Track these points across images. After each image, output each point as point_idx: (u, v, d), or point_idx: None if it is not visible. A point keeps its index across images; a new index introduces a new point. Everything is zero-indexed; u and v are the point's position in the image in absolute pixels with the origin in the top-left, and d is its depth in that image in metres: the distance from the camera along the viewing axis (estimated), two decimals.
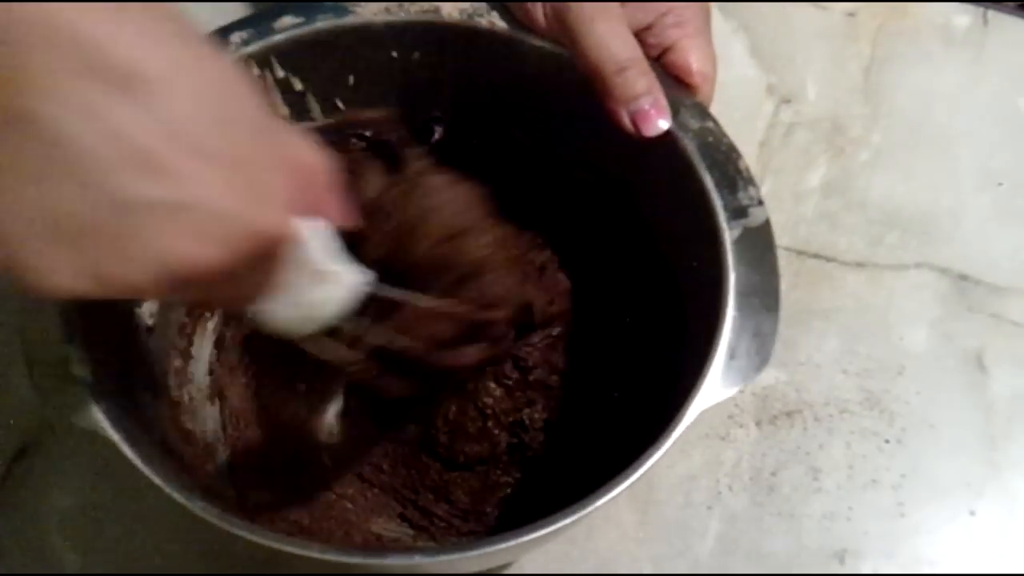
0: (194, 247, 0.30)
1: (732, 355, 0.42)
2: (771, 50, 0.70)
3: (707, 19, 0.49)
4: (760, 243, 0.44)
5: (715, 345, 0.42)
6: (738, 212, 0.45)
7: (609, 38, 0.46)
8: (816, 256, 0.63)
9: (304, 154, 0.34)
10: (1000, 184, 0.66)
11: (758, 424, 0.57)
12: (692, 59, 0.47)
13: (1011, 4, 0.74)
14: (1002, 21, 0.71)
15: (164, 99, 0.29)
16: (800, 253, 0.63)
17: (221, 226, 0.30)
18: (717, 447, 0.56)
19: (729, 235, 0.44)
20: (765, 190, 0.64)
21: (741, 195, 0.45)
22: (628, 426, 0.50)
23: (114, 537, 0.52)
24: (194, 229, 0.30)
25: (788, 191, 0.65)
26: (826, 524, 0.55)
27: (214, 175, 0.30)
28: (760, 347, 0.42)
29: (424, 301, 0.44)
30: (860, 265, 0.62)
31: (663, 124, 0.46)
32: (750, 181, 0.46)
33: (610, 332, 0.56)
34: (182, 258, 0.30)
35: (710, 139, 0.47)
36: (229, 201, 0.30)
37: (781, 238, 0.62)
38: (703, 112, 0.47)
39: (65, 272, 0.29)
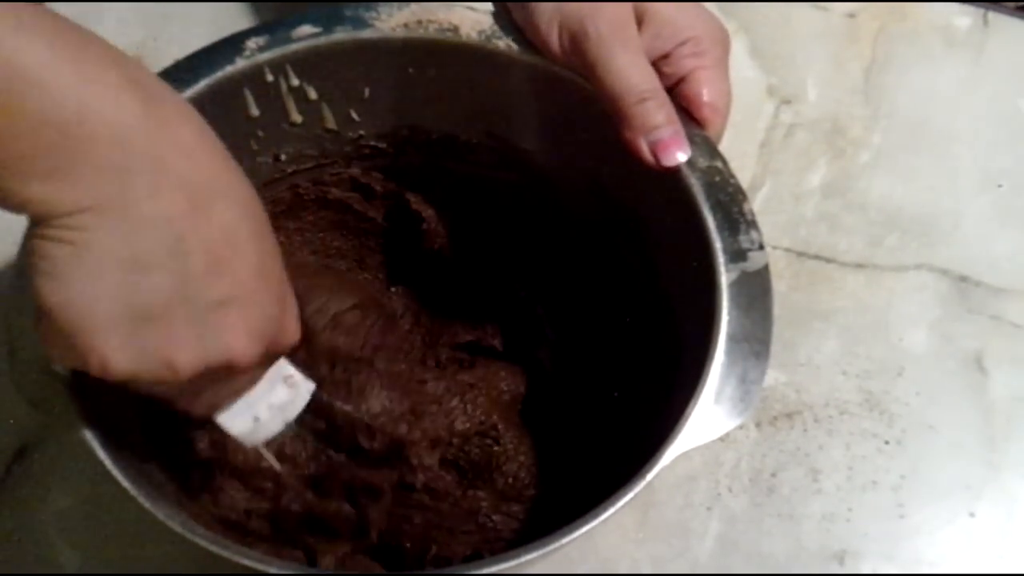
0: (242, 340, 0.35)
1: (716, 400, 0.42)
2: (771, 51, 0.70)
3: (725, 52, 0.48)
4: (756, 288, 0.44)
5: (699, 391, 0.42)
6: (737, 255, 0.44)
7: (629, 68, 0.45)
8: (816, 257, 0.63)
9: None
10: (1000, 185, 0.66)
11: (758, 425, 0.57)
12: (705, 91, 0.46)
13: (1011, 5, 0.74)
14: (1002, 22, 0.71)
15: (223, 210, 0.34)
16: (800, 254, 0.63)
17: (265, 324, 0.36)
18: (716, 448, 0.56)
19: (726, 278, 0.44)
20: (765, 191, 0.65)
21: (742, 238, 0.45)
22: (628, 426, 0.51)
23: (114, 537, 0.53)
24: (246, 325, 0.35)
25: (788, 192, 0.65)
26: (826, 525, 0.55)
27: (258, 279, 0.35)
28: (744, 394, 0.42)
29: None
30: (860, 266, 0.62)
31: (683, 155, 0.45)
32: (753, 224, 0.45)
33: (610, 332, 0.56)
34: (229, 348, 0.35)
35: (717, 179, 0.46)
36: (270, 303, 0.36)
37: (781, 239, 0.63)
38: (713, 150, 0.47)
39: (125, 353, 0.33)
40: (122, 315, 0.32)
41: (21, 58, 0.30)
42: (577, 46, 0.46)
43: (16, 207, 0.31)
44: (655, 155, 0.45)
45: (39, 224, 0.32)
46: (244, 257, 0.34)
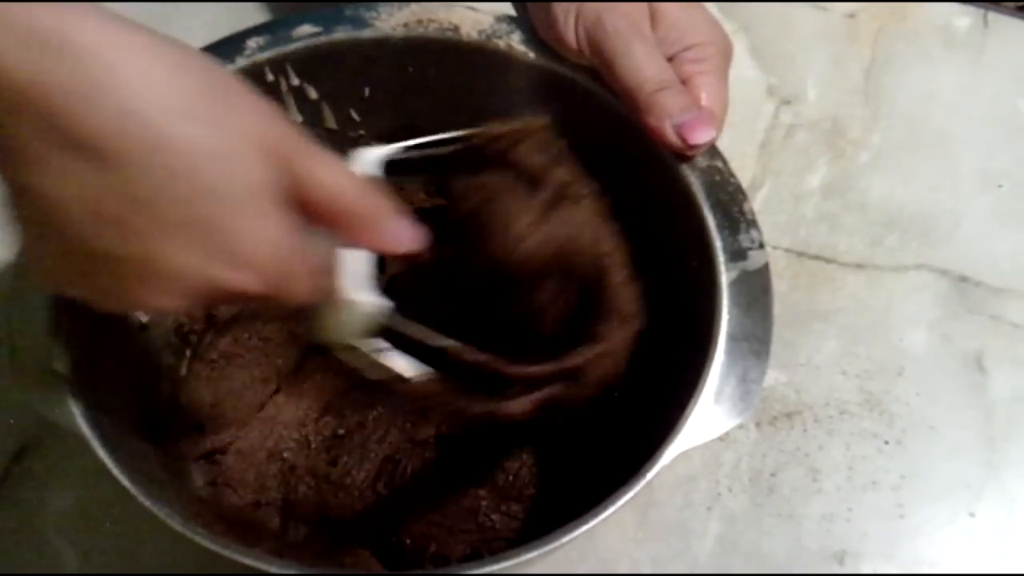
0: (155, 296, 0.34)
1: (716, 399, 0.42)
2: (771, 51, 0.70)
3: (727, 60, 0.49)
4: (756, 287, 0.44)
5: (699, 390, 0.42)
6: (737, 254, 0.45)
7: (646, 60, 0.46)
8: (816, 257, 0.63)
9: (327, 189, 0.36)
10: (1000, 185, 0.66)
11: (758, 425, 0.57)
12: (703, 96, 0.47)
13: (1011, 5, 0.74)
14: (1002, 23, 0.71)
15: (132, 174, 0.32)
16: (800, 254, 0.63)
17: (183, 282, 0.34)
18: (716, 448, 0.56)
19: (725, 277, 0.44)
20: (765, 192, 0.65)
21: (742, 237, 0.45)
22: (628, 426, 0.51)
23: (114, 537, 0.53)
24: (158, 282, 0.34)
25: (788, 192, 0.65)
26: (826, 525, 0.55)
27: (180, 240, 0.33)
28: (744, 394, 0.42)
29: (441, 343, 0.43)
30: (860, 266, 0.63)
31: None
32: (753, 224, 0.45)
33: None
34: (144, 303, 0.34)
35: (717, 178, 0.46)
36: (193, 261, 0.33)
37: (781, 239, 0.63)
38: (713, 150, 0.47)
39: (70, 290, 0.35)
40: (58, 264, 0.34)
41: None
42: (594, 40, 0.47)
43: None
44: (682, 137, 0.46)
45: None
46: (160, 219, 0.33)
